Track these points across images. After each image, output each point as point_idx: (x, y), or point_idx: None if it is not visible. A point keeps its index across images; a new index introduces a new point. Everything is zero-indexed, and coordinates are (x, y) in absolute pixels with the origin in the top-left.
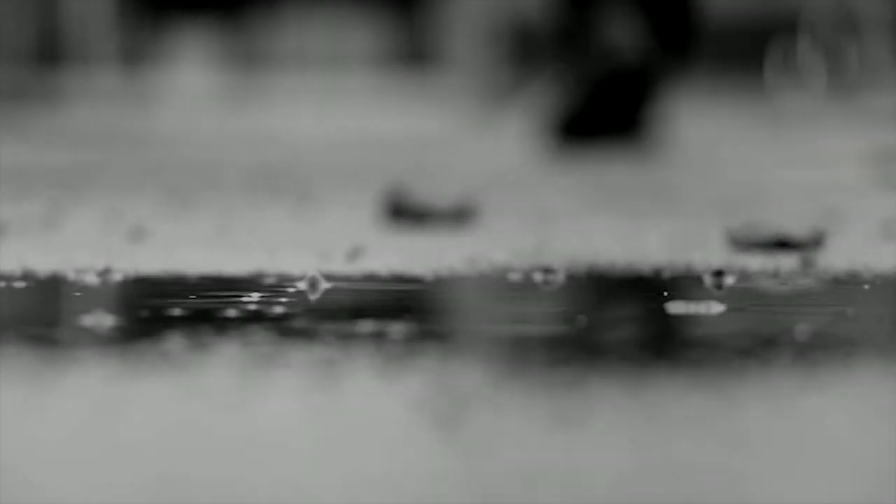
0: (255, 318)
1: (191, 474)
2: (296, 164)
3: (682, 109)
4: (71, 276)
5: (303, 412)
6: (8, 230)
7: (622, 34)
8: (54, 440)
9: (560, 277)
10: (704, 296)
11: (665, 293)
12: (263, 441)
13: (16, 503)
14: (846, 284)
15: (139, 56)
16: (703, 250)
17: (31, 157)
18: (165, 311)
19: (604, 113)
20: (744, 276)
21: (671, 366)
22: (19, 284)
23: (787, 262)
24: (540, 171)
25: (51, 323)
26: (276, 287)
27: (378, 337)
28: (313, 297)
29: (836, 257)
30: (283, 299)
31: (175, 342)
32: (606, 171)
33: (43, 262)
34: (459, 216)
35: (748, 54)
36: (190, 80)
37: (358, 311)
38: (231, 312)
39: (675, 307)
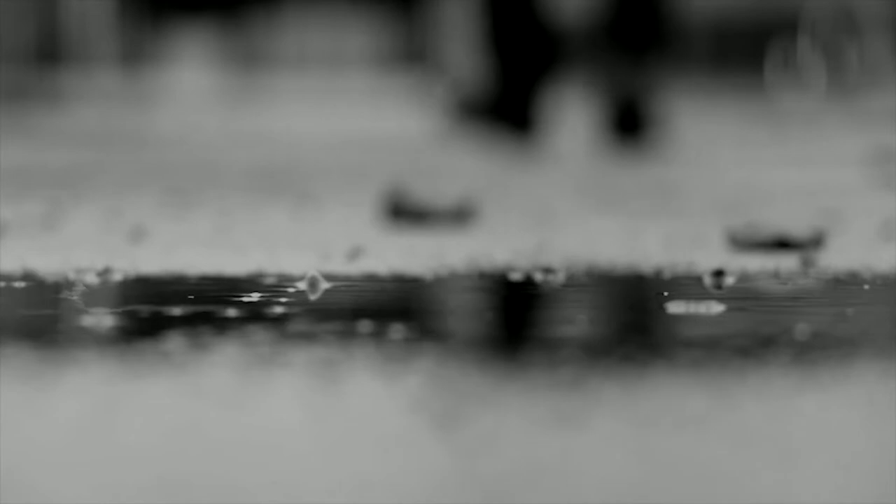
0: (255, 318)
1: (191, 474)
2: (295, 164)
3: (682, 109)
4: (71, 276)
5: (303, 412)
6: (8, 230)
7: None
8: (54, 440)
9: (560, 277)
10: (704, 296)
11: (665, 293)
12: (263, 441)
13: (16, 503)
14: (846, 284)
15: (139, 56)
16: (703, 250)
17: (31, 157)
18: (165, 311)
19: (507, 100)
20: (744, 276)
21: (671, 366)
22: (19, 284)
23: (787, 262)
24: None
25: (51, 323)
26: (276, 287)
27: (378, 337)
28: (313, 297)
29: (836, 257)
30: (283, 299)
31: (175, 342)
32: (606, 172)
33: (43, 262)
34: (459, 216)
35: (748, 54)
36: (190, 80)
37: (358, 311)
38: (231, 312)
39: (675, 307)
